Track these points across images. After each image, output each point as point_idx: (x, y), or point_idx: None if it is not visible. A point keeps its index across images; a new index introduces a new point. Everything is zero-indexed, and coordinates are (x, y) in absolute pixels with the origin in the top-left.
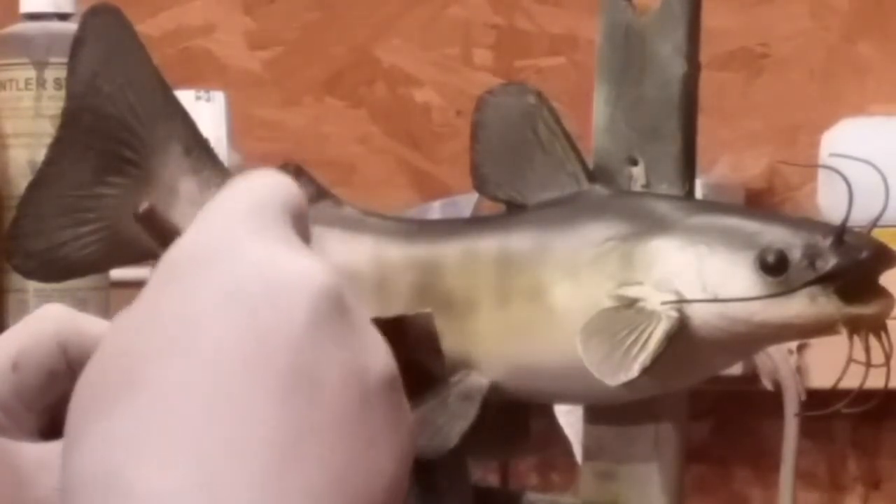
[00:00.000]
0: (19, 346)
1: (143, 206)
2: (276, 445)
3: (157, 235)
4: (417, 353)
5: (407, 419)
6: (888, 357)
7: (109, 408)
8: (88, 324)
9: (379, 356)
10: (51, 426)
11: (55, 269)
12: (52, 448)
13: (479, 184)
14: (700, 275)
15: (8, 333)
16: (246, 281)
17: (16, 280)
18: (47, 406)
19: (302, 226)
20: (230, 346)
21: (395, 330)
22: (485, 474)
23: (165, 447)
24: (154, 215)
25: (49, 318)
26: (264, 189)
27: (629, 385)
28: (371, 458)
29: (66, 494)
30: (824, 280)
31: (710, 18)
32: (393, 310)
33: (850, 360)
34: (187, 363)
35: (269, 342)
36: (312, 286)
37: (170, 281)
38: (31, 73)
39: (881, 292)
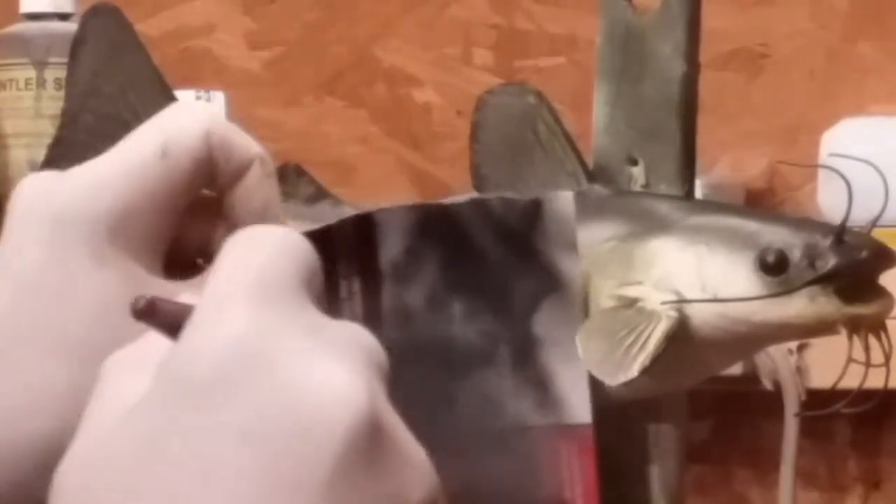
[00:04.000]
0: (166, 133)
1: (141, 301)
2: None
3: (164, 327)
4: None
5: None
6: (888, 357)
7: None
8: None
9: (419, 482)
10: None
11: None
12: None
13: (479, 184)
14: (700, 275)
15: (151, 123)
16: (268, 415)
17: None
18: (185, 208)
19: (314, 284)
20: (249, 495)
21: None
22: None
23: None
24: (155, 308)
25: (195, 108)
26: (273, 262)
27: (629, 385)
28: None
29: None
30: (824, 280)
31: (710, 18)
32: None
33: (849, 360)
34: None
35: (295, 488)
36: (345, 417)
37: (180, 404)
38: (31, 73)
39: (881, 292)
